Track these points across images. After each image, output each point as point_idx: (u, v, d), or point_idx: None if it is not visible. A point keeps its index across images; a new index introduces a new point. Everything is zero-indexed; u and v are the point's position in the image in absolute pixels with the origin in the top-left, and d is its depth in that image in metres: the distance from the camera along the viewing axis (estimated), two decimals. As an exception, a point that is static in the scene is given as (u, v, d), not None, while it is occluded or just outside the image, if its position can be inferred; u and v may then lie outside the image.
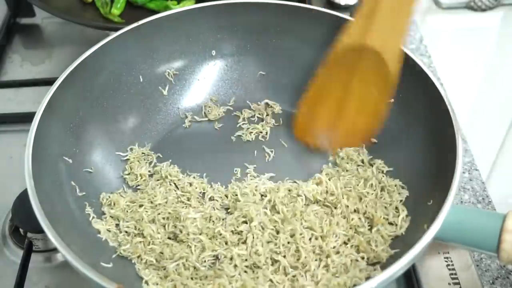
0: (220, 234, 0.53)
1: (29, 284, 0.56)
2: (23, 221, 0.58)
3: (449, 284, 0.56)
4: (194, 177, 0.60)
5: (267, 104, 0.67)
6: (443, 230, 0.45)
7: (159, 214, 0.55)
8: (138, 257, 0.52)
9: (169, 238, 0.54)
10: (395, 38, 0.56)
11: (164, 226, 0.54)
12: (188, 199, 0.57)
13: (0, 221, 0.62)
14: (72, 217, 0.53)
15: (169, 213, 0.55)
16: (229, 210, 0.57)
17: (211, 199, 0.58)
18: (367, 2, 0.57)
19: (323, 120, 0.61)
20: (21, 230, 0.60)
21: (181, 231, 0.53)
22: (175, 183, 0.59)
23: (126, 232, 0.54)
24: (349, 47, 0.56)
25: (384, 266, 0.46)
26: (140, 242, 0.53)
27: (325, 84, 0.59)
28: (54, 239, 0.44)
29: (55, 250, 0.56)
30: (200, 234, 0.53)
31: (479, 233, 0.45)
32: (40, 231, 0.46)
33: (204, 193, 0.58)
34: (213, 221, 0.55)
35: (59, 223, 0.47)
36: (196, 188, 0.58)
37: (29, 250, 0.58)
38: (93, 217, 0.54)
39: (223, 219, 0.55)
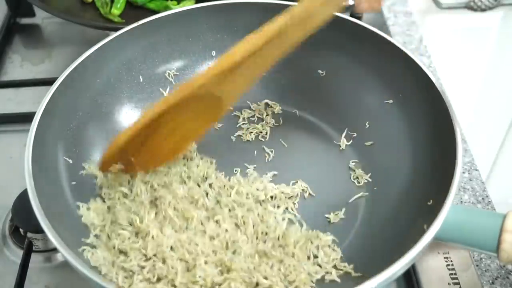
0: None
1: (29, 284, 0.57)
2: (23, 221, 0.58)
3: (449, 284, 0.56)
4: (201, 158, 0.60)
5: (267, 104, 0.67)
6: (443, 230, 0.45)
7: (155, 179, 0.56)
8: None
9: (150, 201, 0.54)
10: (242, 89, 0.54)
11: (155, 190, 0.55)
12: (189, 178, 0.58)
13: (0, 221, 0.62)
14: (72, 217, 0.53)
15: (165, 182, 0.56)
16: (218, 200, 0.56)
17: (210, 186, 0.58)
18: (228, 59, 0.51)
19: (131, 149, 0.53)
20: (21, 230, 0.60)
21: (161, 198, 0.54)
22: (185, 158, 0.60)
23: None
24: (195, 93, 0.50)
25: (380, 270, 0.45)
26: (123, 193, 0.54)
27: (151, 123, 0.51)
28: (54, 239, 0.44)
29: (55, 250, 0.56)
30: (174, 209, 0.53)
31: (479, 233, 0.45)
32: (40, 231, 0.46)
33: (206, 178, 0.59)
34: (196, 206, 0.55)
35: (59, 223, 0.47)
36: (200, 171, 0.58)
37: (29, 250, 0.58)
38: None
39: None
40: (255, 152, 0.63)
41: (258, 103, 0.67)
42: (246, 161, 0.62)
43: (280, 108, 0.67)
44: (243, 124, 0.66)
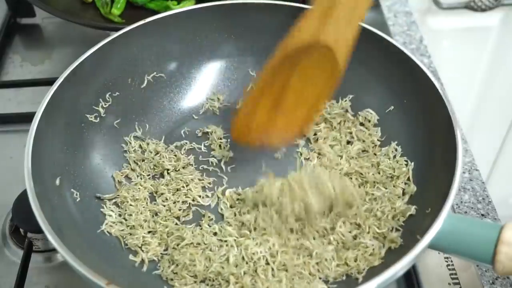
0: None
1: (29, 284, 0.57)
2: (23, 221, 0.58)
3: (449, 284, 0.56)
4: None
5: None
6: (438, 239, 0.45)
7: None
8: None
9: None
10: (348, 34, 0.53)
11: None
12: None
13: (0, 221, 0.62)
14: (72, 217, 0.53)
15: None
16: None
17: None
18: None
19: (262, 118, 0.58)
20: (21, 230, 0.60)
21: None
22: None
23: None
24: (301, 43, 0.53)
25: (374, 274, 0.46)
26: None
27: (269, 80, 0.56)
28: (53, 240, 0.44)
29: (55, 250, 0.56)
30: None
31: (474, 244, 0.45)
32: (40, 231, 0.46)
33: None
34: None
35: (58, 223, 0.47)
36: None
37: (29, 250, 0.58)
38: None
39: None
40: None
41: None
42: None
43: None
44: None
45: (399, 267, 0.43)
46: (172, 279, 0.51)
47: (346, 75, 0.64)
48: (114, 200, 0.57)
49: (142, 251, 0.53)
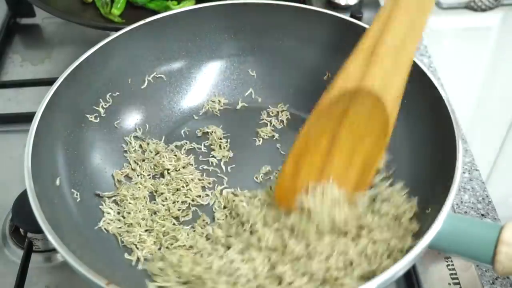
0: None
1: (29, 284, 0.57)
2: (23, 221, 0.58)
3: (449, 284, 0.56)
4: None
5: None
6: (438, 239, 0.45)
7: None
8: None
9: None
10: (396, 80, 0.49)
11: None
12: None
13: (0, 221, 0.62)
14: (72, 217, 0.53)
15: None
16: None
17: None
18: (367, 39, 0.50)
19: (309, 178, 0.51)
20: (21, 230, 0.60)
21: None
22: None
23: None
24: (345, 91, 0.48)
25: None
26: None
27: (313, 136, 0.50)
28: (53, 240, 0.44)
29: (55, 250, 0.56)
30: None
31: (474, 244, 0.44)
32: (40, 231, 0.46)
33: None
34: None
35: (58, 223, 0.47)
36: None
37: (29, 250, 0.58)
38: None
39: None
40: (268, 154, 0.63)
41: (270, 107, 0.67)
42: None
43: (288, 112, 0.67)
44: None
45: (399, 267, 0.43)
46: (156, 275, 0.51)
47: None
48: (113, 198, 0.57)
49: (137, 248, 0.53)
